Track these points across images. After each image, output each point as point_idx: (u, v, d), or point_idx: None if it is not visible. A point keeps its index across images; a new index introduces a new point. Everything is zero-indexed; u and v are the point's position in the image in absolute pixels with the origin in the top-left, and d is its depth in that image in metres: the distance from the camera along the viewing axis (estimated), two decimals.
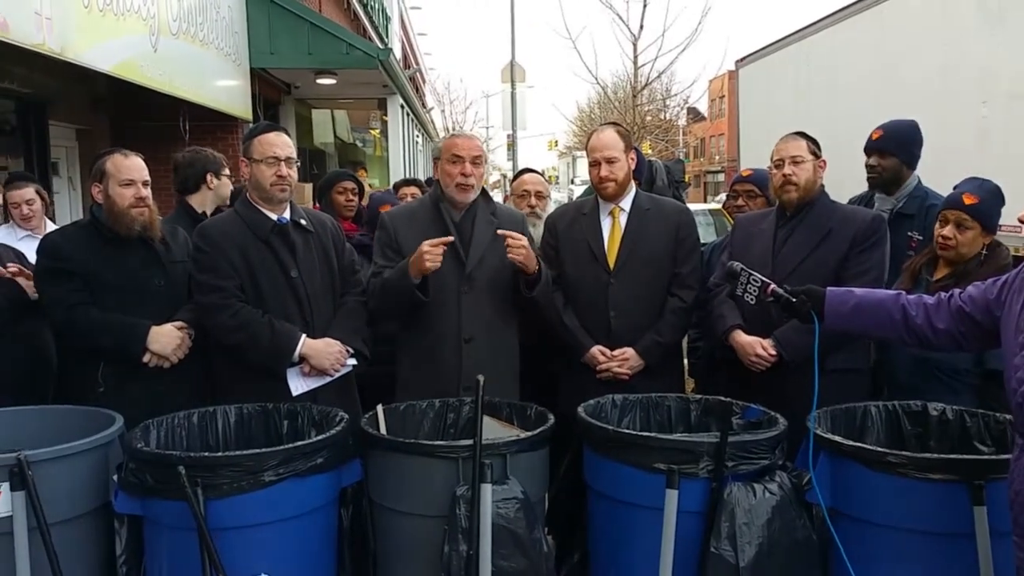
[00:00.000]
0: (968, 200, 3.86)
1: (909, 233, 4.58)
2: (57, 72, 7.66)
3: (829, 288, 3.22)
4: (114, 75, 7.20)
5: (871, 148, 4.81)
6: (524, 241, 3.91)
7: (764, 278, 3.42)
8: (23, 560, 3.01)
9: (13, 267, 4.08)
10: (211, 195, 5.04)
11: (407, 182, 6.86)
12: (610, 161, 4.22)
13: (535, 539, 3.23)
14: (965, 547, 2.90)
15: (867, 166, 4.83)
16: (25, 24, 5.47)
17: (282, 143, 3.94)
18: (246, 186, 4.06)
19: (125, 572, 3.26)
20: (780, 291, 3.32)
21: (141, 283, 3.91)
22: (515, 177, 5.69)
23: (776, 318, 3.84)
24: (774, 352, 3.97)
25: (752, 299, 3.44)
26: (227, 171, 5.14)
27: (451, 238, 3.88)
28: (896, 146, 4.76)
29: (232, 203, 4.74)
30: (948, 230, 3.90)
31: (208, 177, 5.00)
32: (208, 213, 4.94)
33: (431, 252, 3.78)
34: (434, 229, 4.05)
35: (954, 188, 3.99)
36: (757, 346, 4.01)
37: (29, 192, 5.76)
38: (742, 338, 4.06)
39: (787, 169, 4.10)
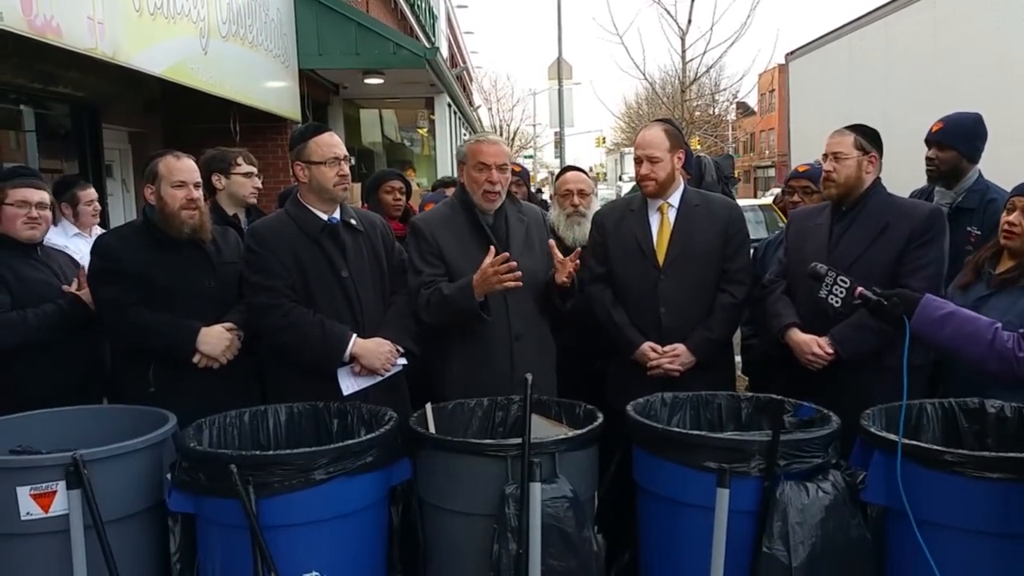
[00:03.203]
0: None
1: (968, 228, 4.49)
2: (109, 76, 7.76)
3: (928, 295, 3.16)
4: (165, 78, 7.29)
5: (931, 140, 4.73)
6: (570, 267, 3.95)
7: (851, 280, 3.34)
8: (80, 558, 3.05)
9: (76, 283, 4.14)
10: (223, 195, 4.91)
11: (445, 183, 6.86)
12: (652, 160, 4.19)
13: (585, 538, 3.22)
14: None
15: (926, 159, 4.74)
16: (77, 29, 5.56)
17: (337, 142, 3.97)
18: (297, 187, 4.08)
19: (179, 570, 3.29)
20: (869, 294, 3.24)
21: (192, 284, 3.94)
22: (557, 176, 5.66)
23: (832, 317, 3.78)
24: (831, 351, 3.92)
25: (837, 301, 3.34)
26: (243, 168, 4.93)
27: (507, 254, 3.84)
28: (955, 139, 4.67)
29: (282, 203, 4.75)
30: (1015, 216, 3.76)
31: (213, 178, 4.86)
32: (238, 215, 4.89)
33: (498, 275, 3.79)
34: (472, 235, 4.09)
35: None
36: (814, 344, 3.96)
37: (94, 192, 5.88)
38: (798, 336, 4.02)
39: (827, 165, 4.08)
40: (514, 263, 3.81)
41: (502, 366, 4.00)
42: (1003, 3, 9.03)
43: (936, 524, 3.00)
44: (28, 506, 3.05)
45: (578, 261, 4.02)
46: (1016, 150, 7.80)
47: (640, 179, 4.25)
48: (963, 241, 4.40)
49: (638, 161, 4.26)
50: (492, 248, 3.89)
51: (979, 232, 4.43)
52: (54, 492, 3.05)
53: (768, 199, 18.36)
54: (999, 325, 3.00)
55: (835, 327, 3.91)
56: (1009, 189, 3.99)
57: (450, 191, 6.23)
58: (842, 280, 3.33)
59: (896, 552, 3.14)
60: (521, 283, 3.84)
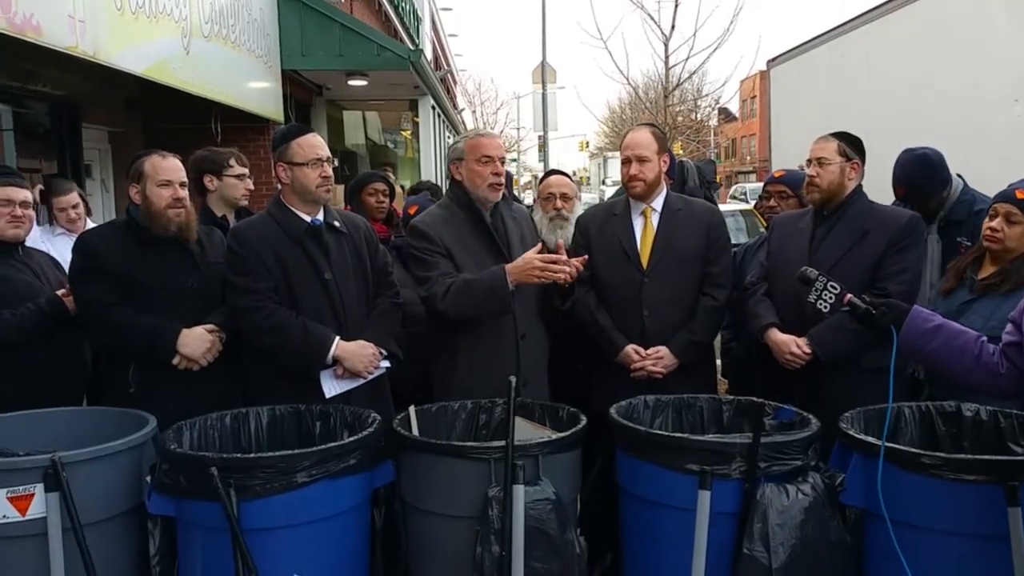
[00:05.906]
0: (1021, 195, 3.79)
1: (958, 239, 4.52)
2: (90, 75, 7.68)
3: (916, 306, 3.18)
4: (146, 77, 7.23)
5: (901, 202, 4.76)
6: (568, 267, 3.92)
7: (841, 285, 3.33)
8: (58, 561, 3.03)
9: (62, 291, 4.11)
10: (214, 197, 4.86)
11: (422, 187, 6.82)
12: (641, 160, 4.22)
13: (568, 540, 3.22)
14: (1000, 549, 2.85)
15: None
16: (58, 27, 5.51)
17: (320, 143, 3.97)
18: (280, 188, 4.05)
19: (159, 573, 3.27)
20: (858, 302, 3.25)
21: (175, 284, 3.91)
22: (541, 180, 5.67)
23: (810, 317, 3.80)
24: (809, 351, 3.96)
25: (826, 307, 3.34)
26: (235, 170, 4.88)
27: (563, 255, 3.91)
28: (920, 191, 4.71)
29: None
30: (996, 222, 3.83)
31: (205, 180, 4.82)
32: (227, 216, 4.84)
33: (548, 267, 3.82)
34: (474, 234, 4.14)
35: (1009, 185, 3.94)
36: (792, 344, 3.99)
37: (75, 197, 5.81)
38: (777, 336, 4.05)
39: (811, 170, 4.13)
40: (563, 257, 3.88)
41: (509, 365, 3.96)
42: (984, 10, 9.09)
43: (913, 526, 3.02)
44: (5, 509, 3.03)
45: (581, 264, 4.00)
46: (997, 155, 7.85)
47: (629, 180, 4.27)
48: (954, 253, 4.42)
49: (627, 162, 4.28)
50: (541, 243, 4.03)
51: (969, 243, 4.45)
52: (32, 495, 3.03)
53: (742, 203, 18.34)
54: (985, 338, 3.02)
55: (814, 328, 3.95)
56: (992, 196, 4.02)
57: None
58: (832, 286, 3.33)
59: (875, 554, 3.15)
60: (568, 277, 3.88)
